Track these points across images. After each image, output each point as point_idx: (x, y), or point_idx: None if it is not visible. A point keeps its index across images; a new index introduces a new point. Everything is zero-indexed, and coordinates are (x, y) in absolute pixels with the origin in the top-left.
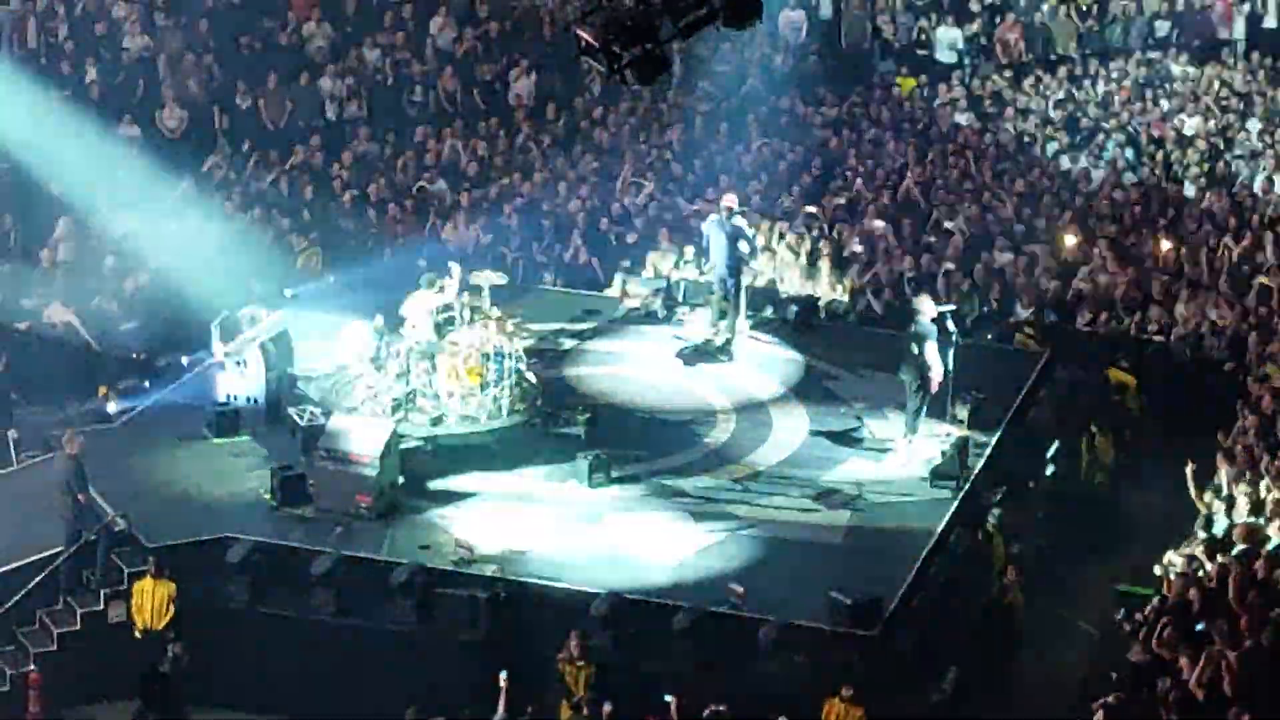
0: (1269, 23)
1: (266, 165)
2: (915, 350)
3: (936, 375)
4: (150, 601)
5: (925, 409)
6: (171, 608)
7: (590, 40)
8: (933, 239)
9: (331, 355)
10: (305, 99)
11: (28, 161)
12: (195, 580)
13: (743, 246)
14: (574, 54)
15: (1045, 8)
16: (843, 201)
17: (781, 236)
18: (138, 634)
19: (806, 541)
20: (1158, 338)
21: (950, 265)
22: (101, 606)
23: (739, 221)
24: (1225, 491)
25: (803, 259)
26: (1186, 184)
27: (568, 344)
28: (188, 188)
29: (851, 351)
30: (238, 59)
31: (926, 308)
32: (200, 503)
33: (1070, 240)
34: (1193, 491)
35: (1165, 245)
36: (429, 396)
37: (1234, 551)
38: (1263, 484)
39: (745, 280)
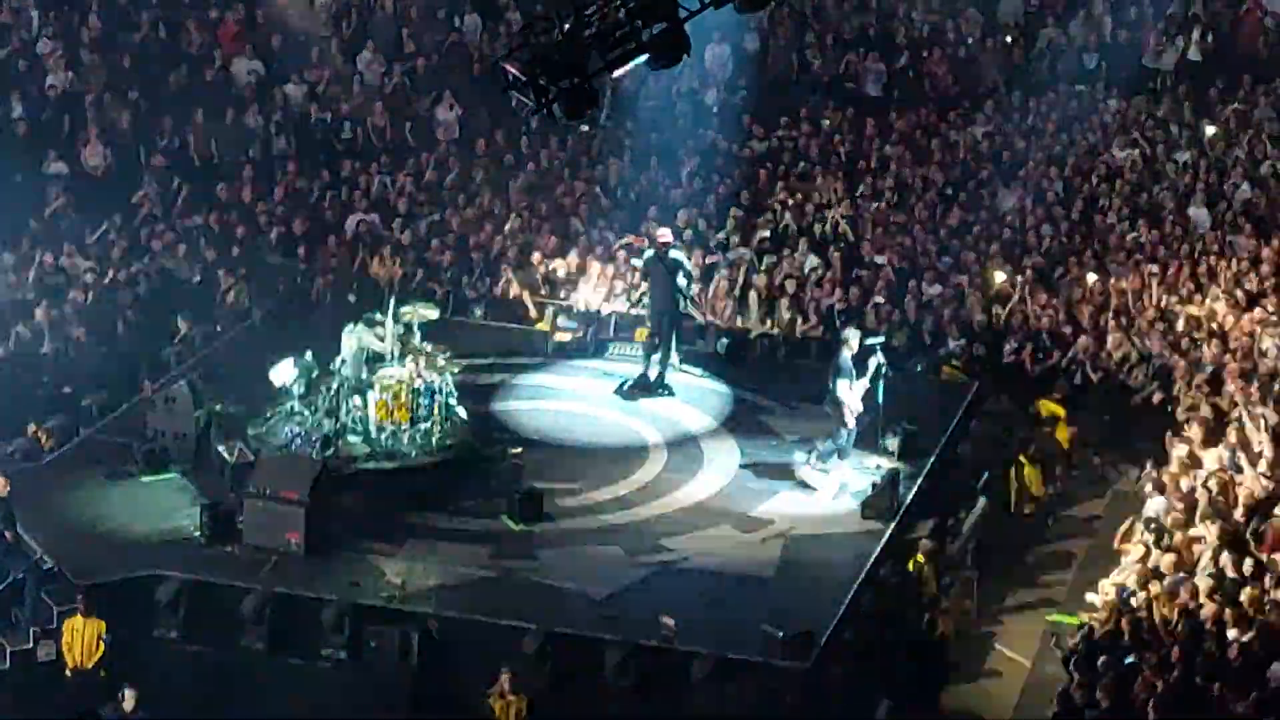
0: (1193, 55)
1: (194, 201)
2: (832, 384)
3: (853, 410)
4: (80, 640)
5: (848, 443)
6: (101, 645)
7: (518, 75)
8: (862, 272)
9: (260, 391)
10: (233, 135)
11: None
12: (125, 618)
13: (680, 279)
14: (502, 88)
15: (971, 41)
16: (769, 235)
17: (712, 269)
18: (68, 672)
19: (738, 575)
20: (1086, 369)
21: (879, 298)
22: (31, 645)
23: (675, 254)
24: (1154, 522)
25: (734, 291)
26: (1114, 216)
27: (498, 378)
28: (115, 224)
29: (782, 384)
30: (164, 95)
31: (852, 341)
32: (129, 540)
33: (998, 273)
34: (1118, 540)
35: (1092, 277)
36: (359, 432)
37: (1164, 582)
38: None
39: (684, 310)
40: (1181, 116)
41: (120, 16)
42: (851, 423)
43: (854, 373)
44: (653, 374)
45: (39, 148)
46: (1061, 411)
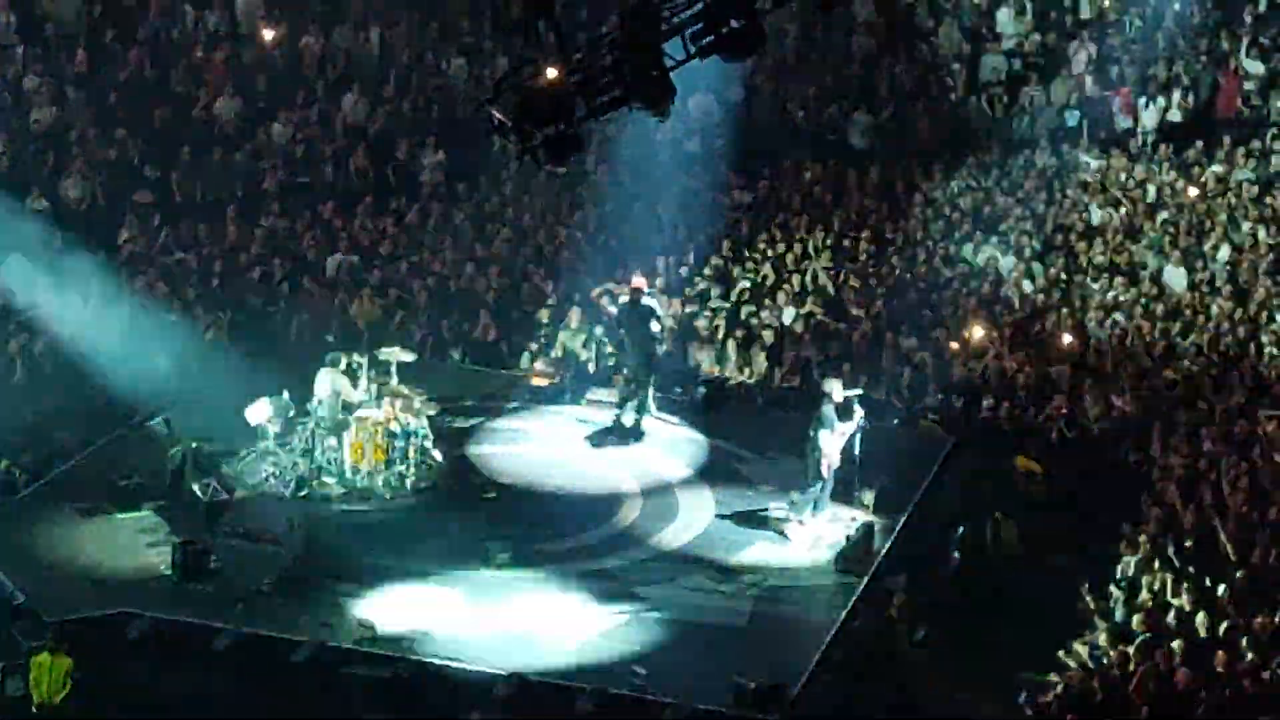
0: (1174, 115)
1: (176, 239)
2: (814, 434)
3: (831, 462)
4: (48, 676)
5: (824, 494)
6: (69, 682)
7: (503, 119)
8: (840, 324)
9: (236, 430)
10: (216, 173)
11: None
12: (94, 655)
13: (654, 327)
14: (487, 132)
15: (954, 96)
16: (748, 285)
17: (691, 318)
18: (35, 709)
19: (711, 625)
20: (1062, 427)
21: (858, 350)
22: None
23: (649, 302)
24: (1128, 581)
25: (713, 340)
26: (1092, 275)
27: (474, 422)
28: (97, 260)
29: (759, 434)
30: (149, 132)
31: (834, 392)
32: (101, 577)
33: (976, 328)
34: (1088, 600)
35: (1069, 336)
36: (334, 472)
37: (1136, 641)
38: (1166, 574)
39: (656, 357)
40: (1161, 176)
41: (107, 54)
42: (827, 474)
43: (835, 424)
44: (628, 420)
45: (21, 183)
46: (1038, 468)
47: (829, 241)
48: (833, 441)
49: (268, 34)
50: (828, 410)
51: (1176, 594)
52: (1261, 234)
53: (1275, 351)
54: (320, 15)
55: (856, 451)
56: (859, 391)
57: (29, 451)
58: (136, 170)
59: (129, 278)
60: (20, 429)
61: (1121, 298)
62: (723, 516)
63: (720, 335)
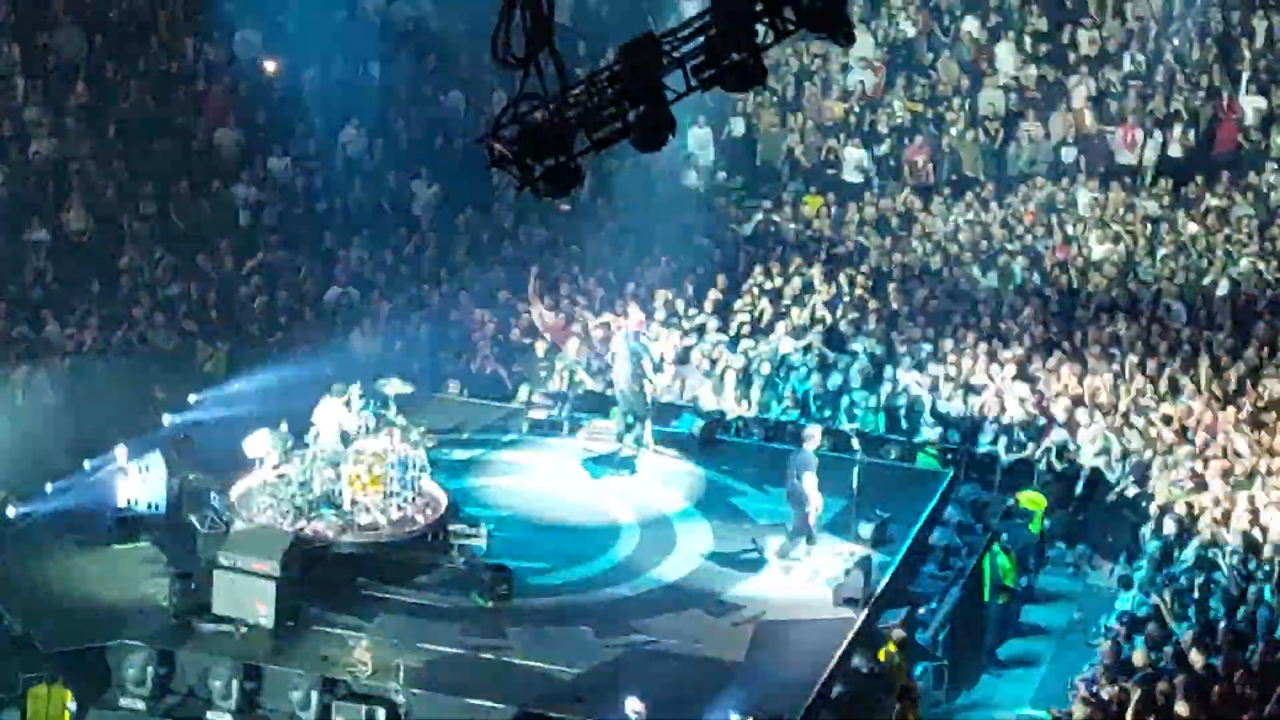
0: (1174, 150)
1: (175, 270)
2: (796, 479)
3: (815, 507)
4: (46, 708)
5: (808, 536)
6: (67, 715)
7: (504, 152)
8: (838, 357)
9: (235, 461)
10: (216, 204)
11: None
12: (92, 687)
13: (645, 363)
14: (486, 165)
15: (953, 131)
16: (746, 318)
17: (688, 351)
18: None
19: (708, 659)
20: (1060, 461)
21: (855, 384)
22: None
23: (644, 336)
24: (1127, 615)
25: (711, 374)
26: (1091, 308)
27: (473, 454)
28: (95, 291)
29: (757, 467)
30: (148, 164)
31: (813, 438)
32: (99, 609)
33: (974, 361)
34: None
35: (1069, 369)
36: (332, 504)
37: (1135, 676)
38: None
39: (649, 394)
40: (1160, 212)
41: (108, 86)
42: (813, 519)
43: (816, 467)
44: (626, 453)
45: (21, 214)
46: (1042, 503)
47: (827, 275)
48: (813, 484)
49: (269, 66)
50: (808, 454)
51: (1175, 627)
52: (1262, 267)
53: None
54: (321, 48)
55: (855, 486)
56: (855, 426)
57: (27, 482)
58: (135, 201)
59: (129, 308)
60: (19, 457)
61: (1120, 332)
62: (720, 550)
63: (719, 368)
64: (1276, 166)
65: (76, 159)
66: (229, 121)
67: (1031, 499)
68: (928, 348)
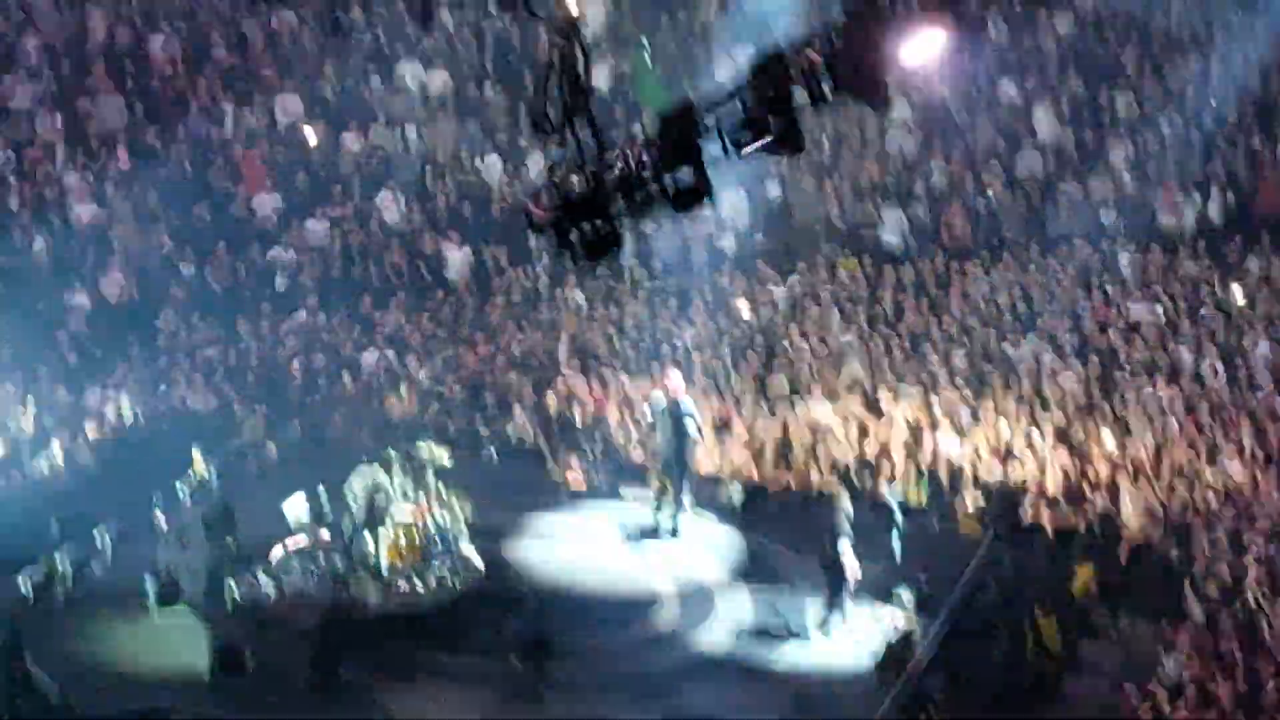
0: (1213, 214)
1: (212, 331)
2: (834, 548)
3: (853, 574)
4: None
5: (844, 605)
6: None
7: (540, 216)
8: (878, 422)
9: (273, 526)
10: (254, 268)
11: None
12: None
13: (689, 425)
14: (524, 229)
15: (991, 193)
16: (783, 382)
17: (727, 417)
18: None
19: None
20: (1103, 526)
21: (896, 450)
22: None
23: (684, 401)
24: (1170, 680)
25: (749, 440)
26: (1131, 372)
27: (509, 520)
28: (135, 355)
29: (796, 534)
30: (187, 228)
31: (845, 504)
32: (137, 675)
33: (1014, 426)
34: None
35: (1109, 433)
36: (370, 570)
37: None
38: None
39: (690, 459)
40: (1201, 274)
41: (148, 152)
42: (850, 587)
43: (852, 534)
44: (665, 520)
45: (61, 279)
46: (1092, 572)
47: (864, 339)
48: (849, 551)
49: (310, 134)
50: (841, 521)
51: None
52: None
53: None
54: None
55: (897, 550)
56: (896, 490)
57: (67, 549)
58: (174, 265)
59: (169, 371)
60: (59, 526)
61: (1161, 396)
62: (759, 618)
63: (757, 435)
64: None
65: (117, 224)
66: (267, 185)
67: (1085, 572)
68: (967, 412)
